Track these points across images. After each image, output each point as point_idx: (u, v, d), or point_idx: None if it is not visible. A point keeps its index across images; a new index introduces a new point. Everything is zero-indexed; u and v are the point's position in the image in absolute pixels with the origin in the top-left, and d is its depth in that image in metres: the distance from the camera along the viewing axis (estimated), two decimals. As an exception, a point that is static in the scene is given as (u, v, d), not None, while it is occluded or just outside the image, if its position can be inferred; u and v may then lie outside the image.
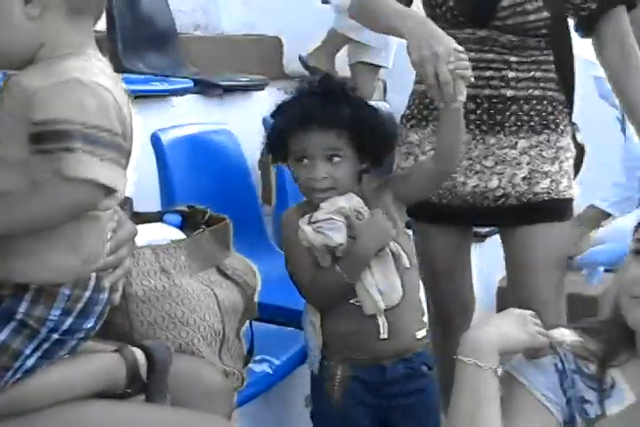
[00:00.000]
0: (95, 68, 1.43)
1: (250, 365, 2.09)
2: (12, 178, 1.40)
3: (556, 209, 2.43)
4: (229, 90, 4.20)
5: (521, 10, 2.22)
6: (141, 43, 4.26)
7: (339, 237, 1.95)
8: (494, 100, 2.33)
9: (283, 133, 2.06)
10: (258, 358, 2.13)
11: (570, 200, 2.46)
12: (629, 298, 1.55)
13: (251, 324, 2.08)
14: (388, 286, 1.99)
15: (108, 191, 1.40)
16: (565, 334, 1.65)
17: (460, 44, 2.14)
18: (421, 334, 2.08)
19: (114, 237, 1.56)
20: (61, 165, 1.34)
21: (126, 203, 2.11)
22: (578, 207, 2.60)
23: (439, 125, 2.11)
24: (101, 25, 4.17)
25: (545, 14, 2.23)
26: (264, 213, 3.15)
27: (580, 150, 2.52)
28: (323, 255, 1.98)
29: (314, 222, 1.96)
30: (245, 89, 4.32)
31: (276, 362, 2.23)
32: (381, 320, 1.99)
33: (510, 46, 2.29)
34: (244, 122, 3.42)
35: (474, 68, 2.15)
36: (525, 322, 1.61)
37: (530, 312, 1.66)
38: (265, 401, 2.09)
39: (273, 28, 5.56)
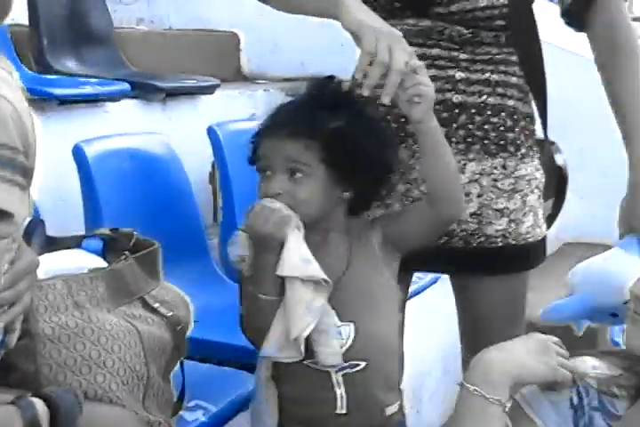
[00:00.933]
0: None
1: (181, 412, 2.08)
2: None
3: (516, 258, 2.27)
4: (173, 94, 4.23)
5: None
6: (71, 38, 4.27)
7: (242, 249, 1.93)
8: (437, 107, 2.04)
9: (254, 141, 2.00)
10: (191, 404, 2.12)
11: (536, 244, 2.29)
12: None
13: (182, 364, 2.07)
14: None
15: (4, 217, 1.41)
16: (594, 366, 1.61)
17: None
18: (392, 409, 2.00)
19: (10, 270, 1.55)
20: None
21: (37, 227, 2.13)
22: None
23: (422, 154, 2.00)
24: (23, 17, 4.17)
25: (495, 2, 2.08)
26: (211, 235, 3.16)
27: (561, 177, 2.40)
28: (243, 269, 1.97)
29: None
30: (192, 93, 4.32)
31: (213, 409, 2.20)
32: (339, 391, 1.93)
33: (459, 41, 2.13)
34: (188, 131, 3.43)
35: None
36: (547, 351, 1.56)
37: (555, 339, 1.61)
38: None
39: (229, 23, 5.56)
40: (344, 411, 1.93)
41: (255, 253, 1.91)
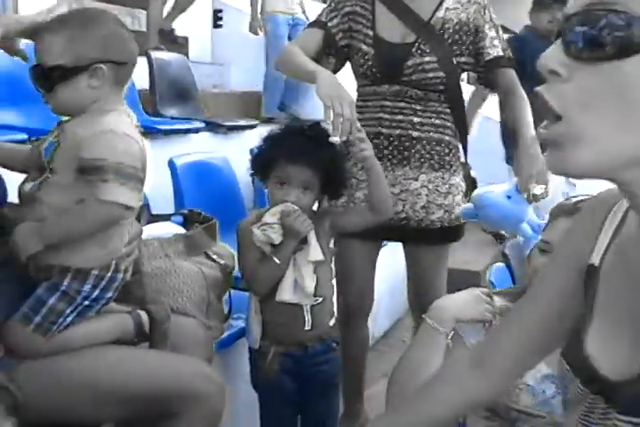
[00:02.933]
0: (124, 121, 1.47)
1: (229, 321, 2.04)
2: (62, 197, 1.44)
3: (448, 234, 2.25)
4: (231, 129, 4.20)
5: (421, 68, 2.09)
6: (171, 96, 4.25)
7: (276, 238, 1.83)
8: (403, 139, 2.15)
9: (271, 160, 1.87)
10: (235, 316, 2.07)
11: (459, 226, 2.25)
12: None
13: (229, 293, 2.05)
14: (304, 276, 1.86)
15: (128, 209, 1.44)
16: (497, 301, 1.53)
17: (380, 96, 2.14)
18: (332, 322, 1.96)
19: (127, 235, 1.55)
20: (98, 191, 1.40)
21: (144, 209, 2.11)
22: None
23: (368, 179, 1.94)
24: (146, 84, 4.17)
25: (441, 73, 2.10)
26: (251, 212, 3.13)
27: (472, 183, 2.36)
28: (264, 246, 1.85)
29: (262, 225, 1.84)
30: (242, 128, 4.29)
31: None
32: (307, 316, 1.87)
33: (416, 98, 2.13)
34: (240, 152, 3.40)
35: (390, 113, 2.14)
36: (479, 301, 1.49)
37: (486, 291, 1.54)
38: (241, 347, 2.05)
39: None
40: (309, 328, 1.88)
41: (286, 237, 1.83)
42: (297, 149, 1.84)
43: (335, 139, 1.80)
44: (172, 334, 1.66)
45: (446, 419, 0.97)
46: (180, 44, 5.15)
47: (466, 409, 0.99)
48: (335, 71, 2.19)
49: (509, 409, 1.45)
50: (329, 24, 2.18)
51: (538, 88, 0.70)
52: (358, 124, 1.85)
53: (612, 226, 0.82)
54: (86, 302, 1.48)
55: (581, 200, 1.44)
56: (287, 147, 1.86)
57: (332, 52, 2.20)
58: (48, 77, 1.43)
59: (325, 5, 2.26)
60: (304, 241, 1.87)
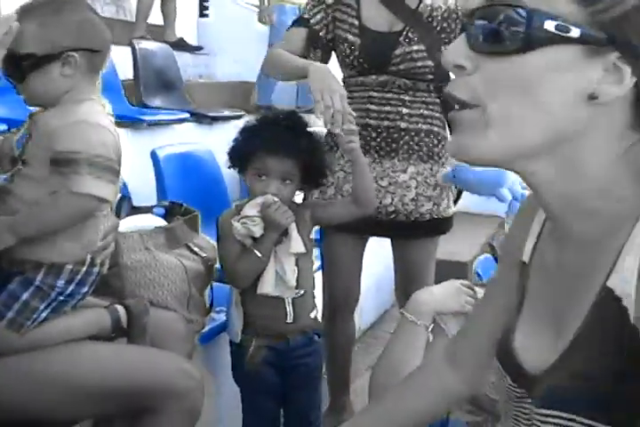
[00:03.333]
0: (98, 111, 1.44)
1: (211, 314, 2.02)
2: (35, 189, 1.41)
3: (437, 226, 2.21)
4: (216, 119, 4.16)
5: (410, 57, 2.04)
6: (156, 87, 4.22)
7: (257, 231, 1.80)
8: (391, 131, 2.10)
9: (248, 152, 1.83)
10: (217, 309, 2.05)
11: (448, 218, 2.22)
12: None
13: (211, 286, 2.02)
14: (285, 268, 1.84)
15: (103, 201, 1.41)
16: (479, 293, 1.50)
17: (367, 86, 2.10)
18: (314, 314, 1.94)
19: (103, 229, 1.52)
20: (70, 183, 1.36)
21: (124, 201, 2.08)
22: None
23: (352, 172, 1.93)
24: (130, 74, 4.13)
25: (429, 62, 2.05)
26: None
27: None
28: (245, 239, 1.83)
29: (242, 218, 1.81)
30: (227, 118, 4.25)
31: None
32: (289, 309, 1.85)
33: (405, 88, 2.09)
34: (225, 143, 3.36)
35: (377, 104, 2.10)
36: (459, 293, 1.47)
37: (466, 283, 1.52)
38: (223, 341, 2.03)
39: (254, 77, 5.46)
40: (291, 320, 1.86)
41: (267, 230, 1.81)
42: (275, 140, 1.81)
43: (337, 130, 1.82)
44: (151, 328, 1.63)
45: (428, 412, 0.98)
46: (191, 47, 5.18)
47: (447, 401, 0.99)
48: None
49: (493, 402, 1.44)
50: (311, 21, 2.14)
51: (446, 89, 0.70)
52: (350, 116, 1.83)
53: (539, 223, 0.82)
54: (61, 298, 1.45)
55: None
56: (265, 138, 1.81)
57: (317, 46, 2.16)
58: (19, 66, 1.38)
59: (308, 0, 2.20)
60: (285, 233, 1.85)
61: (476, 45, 0.67)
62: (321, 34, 2.14)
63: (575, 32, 0.63)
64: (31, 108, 1.50)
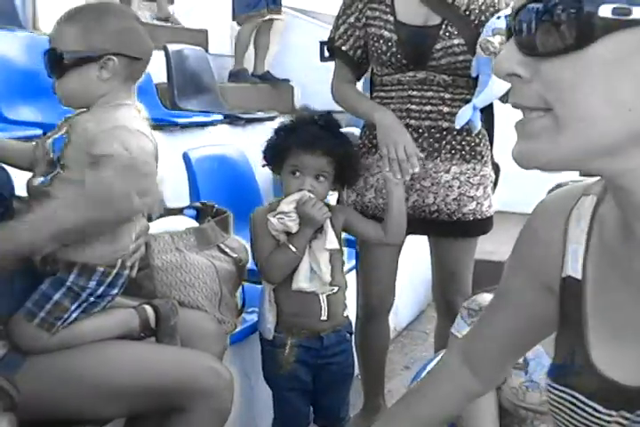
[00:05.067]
0: (134, 117, 1.46)
1: (243, 315, 2.04)
2: (73, 193, 1.41)
3: (479, 227, 2.18)
4: (250, 121, 4.18)
5: (451, 51, 2.01)
6: (189, 90, 4.26)
7: (293, 226, 1.84)
8: (433, 130, 2.07)
9: (284, 149, 1.88)
10: (249, 310, 2.07)
11: (490, 218, 2.19)
12: None
13: (243, 287, 2.04)
14: (320, 264, 1.86)
15: (140, 205, 1.42)
16: (488, 298, 1.46)
17: (405, 85, 2.07)
18: (347, 312, 1.97)
19: (134, 232, 1.54)
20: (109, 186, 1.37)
21: (157, 203, 2.10)
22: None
23: (387, 198, 1.97)
24: (163, 78, 4.18)
25: (470, 57, 2.00)
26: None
27: (496, 170, 2.25)
28: (280, 235, 1.86)
29: (278, 213, 1.84)
30: (261, 120, 4.27)
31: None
32: (323, 305, 1.87)
33: (444, 85, 2.05)
34: (259, 144, 3.37)
35: (417, 104, 2.07)
36: None
37: None
38: (254, 341, 2.03)
39: (286, 77, 5.49)
40: (325, 318, 1.88)
41: (303, 225, 1.84)
42: (310, 138, 1.85)
43: (407, 177, 1.95)
44: (181, 328, 1.65)
45: (447, 416, 0.97)
46: (276, 80, 5.40)
47: (465, 401, 0.98)
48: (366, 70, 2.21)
49: (517, 407, 1.43)
50: (343, 48, 2.14)
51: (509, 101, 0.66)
52: (417, 160, 1.94)
53: (582, 233, 0.77)
54: (91, 299, 1.47)
55: (576, 181, 1.39)
56: (300, 136, 1.86)
57: (361, 67, 2.20)
58: (59, 62, 1.43)
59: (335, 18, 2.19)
60: (319, 229, 1.88)
61: (527, 49, 0.62)
62: (359, 56, 2.14)
63: (638, 12, 0.56)
64: (66, 108, 1.54)
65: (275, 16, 5.39)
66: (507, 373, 1.05)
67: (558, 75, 0.60)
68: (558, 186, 1.45)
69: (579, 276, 0.77)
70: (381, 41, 2.07)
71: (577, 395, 0.76)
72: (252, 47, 5.46)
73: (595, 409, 0.74)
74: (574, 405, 0.76)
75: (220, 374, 1.52)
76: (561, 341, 0.80)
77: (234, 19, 5.37)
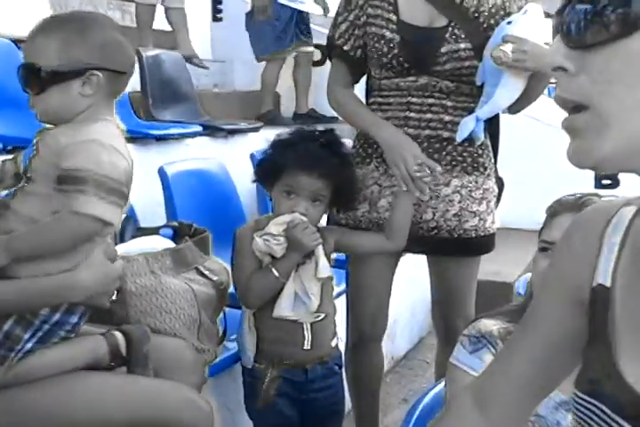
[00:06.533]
0: (111, 133, 1.50)
1: (224, 343, 2.06)
2: (37, 207, 1.47)
3: (482, 244, 2.21)
4: (232, 132, 4.22)
5: (457, 56, 2.03)
6: (166, 98, 4.28)
7: (279, 250, 1.86)
8: (432, 140, 2.09)
9: (279, 166, 1.90)
10: (232, 337, 2.08)
11: (493, 235, 2.22)
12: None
13: (224, 312, 2.07)
14: (308, 292, 1.90)
15: (106, 224, 1.46)
16: (494, 324, 1.49)
17: (404, 91, 2.10)
18: (335, 342, 1.99)
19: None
20: (74, 202, 1.41)
21: (130, 221, 2.14)
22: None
23: (394, 206, 2.02)
24: (136, 85, 4.21)
25: (476, 62, 2.04)
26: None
27: (500, 184, 2.27)
28: (264, 256, 1.89)
29: (265, 234, 1.87)
30: (244, 131, 4.30)
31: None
32: (307, 334, 1.90)
33: (447, 92, 2.07)
34: (241, 157, 3.42)
35: (417, 112, 2.10)
36: None
37: None
38: (237, 372, 2.06)
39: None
40: (308, 347, 1.91)
41: (290, 250, 1.87)
42: (310, 157, 1.87)
43: (426, 193, 2.03)
44: (155, 357, 1.67)
45: None
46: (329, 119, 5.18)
47: None
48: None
49: None
50: (344, 48, 2.17)
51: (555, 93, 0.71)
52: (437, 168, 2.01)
53: (616, 241, 0.80)
54: (46, 327, 1.48)
55: (586, 195, 1.43)
56: (299, 153, 1.88)
57: (361, 67, 2.22)
58: (39, 78, 1.46)
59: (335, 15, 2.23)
60: (308, 255, 1.90)
61: (572, 41, 0.67)
62: (358, 56, 2.17)
63: None
64: (26, 121, 1.57)
65: (305, 49, 5.31)
66: (523, 421, 1.03)
67: (605, 66, 0.65)
68: (557, 202, 1.50)
69: (608, 283, 0.80)
70: (382, 42, 2.08)
71: (603, 408, 0.77)
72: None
73: (620, 426, 0.75)
74: (600, 418, 0.77)
75: (199, 406, 1.55)
76: (588, 351, 0.82)
77: (257, 59, 5.32)
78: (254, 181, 2.02)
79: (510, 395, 0.91)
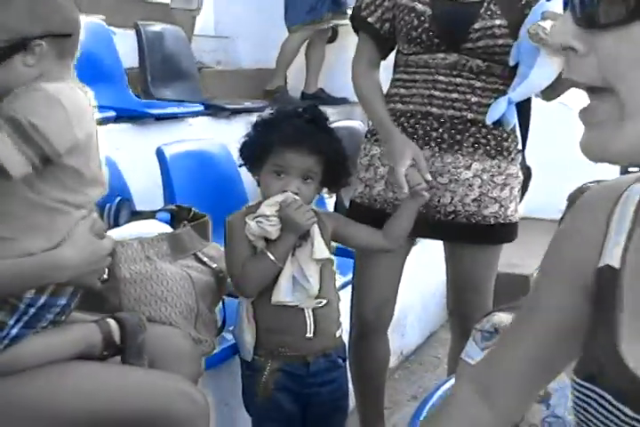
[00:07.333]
0: (65, 90, 1.45)
1: (223, 334, 2.06)
2: None
3: (502, 233, 2.20)
4: (235, 112, 4.21)
5: (490, 33, 2.01)
6: (165, 76, 4.28)
7: (273, 232, 1.85)
8: (456, 121, 2.09)
9: (265, 147, 1.89)
10: (231, 328, 2.07)
11: (515, 224, 2.22)
12: None
13: (223, 302, 2.07)
14: (306, 274, 1.89)
15: (2, 171, 1.36)
16: (505, 319, 1.48)
17: (432, 69, 2.09)
18: (339, 332, 1.99)
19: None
20: None
21: (125, 203, 2.13)
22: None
23: (399, 210, 2.03)
24: (134, 62, 4.20)
25: (510, 41, 2.02)
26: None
27: (527, 174, 2.27)
28: (258, 240, 1.88)
29: (258, 216, 1.86)
30: (248, 111, 4.28)
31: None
32: (309, 321, 1.89)
33: (477, 71, 2.06)
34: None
35: (442, 90, 2.10)
36: None
37: None
38: (236, 364, 2.06)
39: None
40: (311, 335, 1.90)
41: (285, 231, 1.86)
42: (296, 134, 1.87)
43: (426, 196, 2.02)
44: (150, 346, 1.67)
45: None
46: (333, 99, 5.22)
47: None
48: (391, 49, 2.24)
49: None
50: (370, 20, 2.17)
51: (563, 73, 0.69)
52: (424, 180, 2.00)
53: (625, 222, 0.80)
54: (32, 310, 1.46)
55: (602, 181, 1.42)
56: (284, 131, 1.88)
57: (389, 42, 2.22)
58: None
59: None
60: (304, 236, 1.90)
61: (583, 21, 0.65)
62: (386, 31, 2.17)
63: None
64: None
65: (339, 22, 5.13)
66: (526, 407, 1.04)
67: (617, 48, 0.64)
68: (579, 189, 1.48)
69: (617, 264, 0.79)
70: (412, 14, 2.07)
71: (604, 394, 0.77)
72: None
73: (622, 412, 0.75)
74: (600, 405, 0.78)
75: (194, 399, 1.55)
76: (589, 337, 0.82)
77: (289, 30, 5.21)
78: (240, 166, 2.02)
79: (512, 382, 0.92)
